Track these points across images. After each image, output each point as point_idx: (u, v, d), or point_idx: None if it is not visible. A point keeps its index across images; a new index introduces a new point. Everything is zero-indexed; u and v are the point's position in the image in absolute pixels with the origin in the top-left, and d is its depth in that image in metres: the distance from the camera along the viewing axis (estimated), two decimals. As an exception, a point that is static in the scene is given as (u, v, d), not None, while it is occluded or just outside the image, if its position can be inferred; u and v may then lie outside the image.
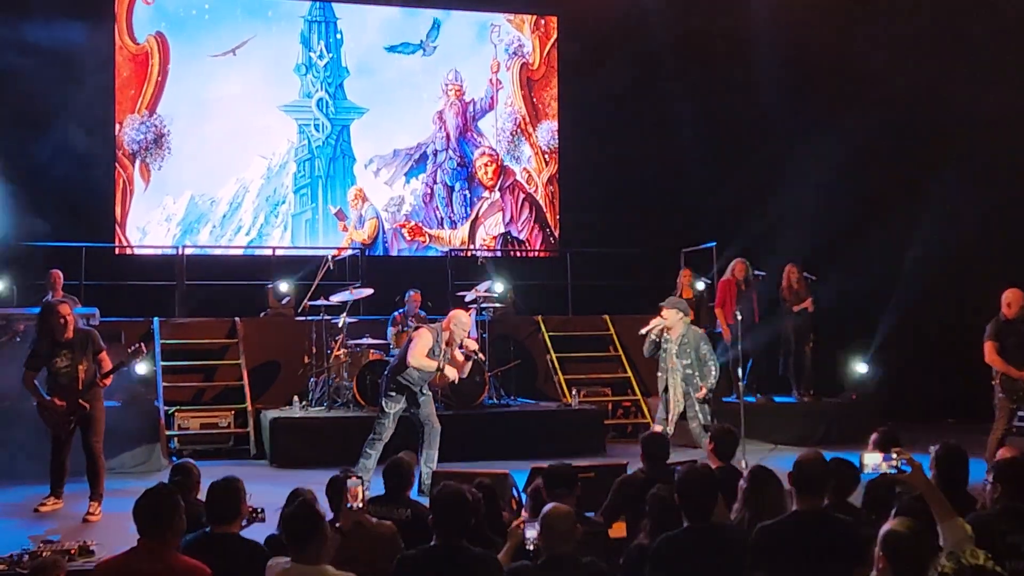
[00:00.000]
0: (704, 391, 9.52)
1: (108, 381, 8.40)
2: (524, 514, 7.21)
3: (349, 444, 9.27)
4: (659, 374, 9.80)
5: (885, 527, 3.73)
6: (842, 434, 11.96)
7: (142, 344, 8.51)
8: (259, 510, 5.20)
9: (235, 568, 4.37)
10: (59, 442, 8.36)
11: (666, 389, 9.63)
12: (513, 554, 4.78)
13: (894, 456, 4.16)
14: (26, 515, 8.18)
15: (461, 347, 9.18)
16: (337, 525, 4.99)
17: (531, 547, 4.54)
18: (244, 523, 4.96)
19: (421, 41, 15.75)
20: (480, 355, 9.83)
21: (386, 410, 8.94)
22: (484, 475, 6.58)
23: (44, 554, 5.99)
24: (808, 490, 4.61)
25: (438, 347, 8.95)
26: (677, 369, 9.54)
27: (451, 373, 9.10)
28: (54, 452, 8.38)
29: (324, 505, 5.14)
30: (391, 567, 4.50)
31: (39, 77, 12.80)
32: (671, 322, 9.58)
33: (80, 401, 8.18)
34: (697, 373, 9.52)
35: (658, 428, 9.15)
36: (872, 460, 4.20)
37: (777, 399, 12.61)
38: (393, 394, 8.93)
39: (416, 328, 9.44)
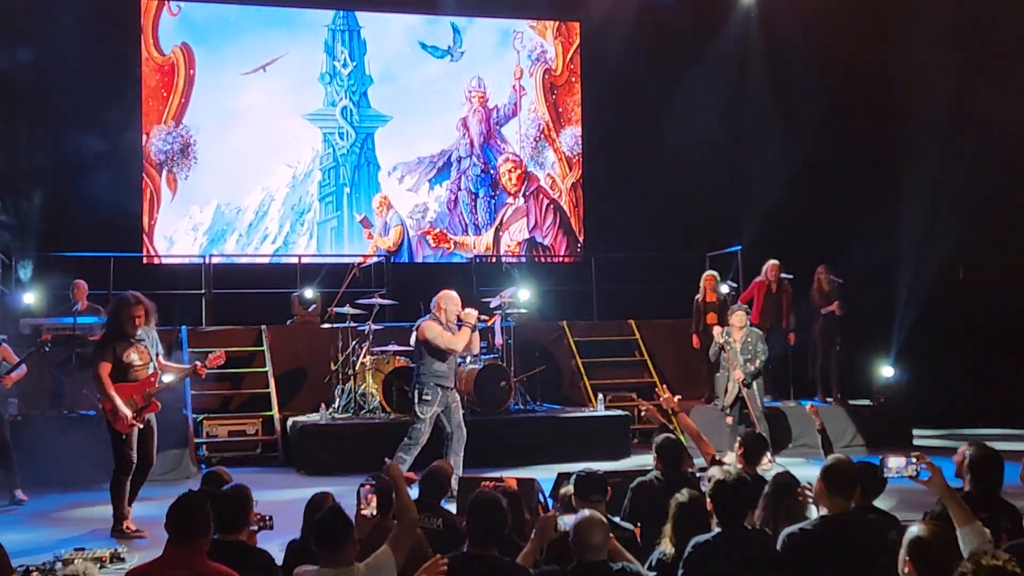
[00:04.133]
0: (740, 375, 10.33)
1: None
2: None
3: (376, 450, 9.22)
4: (721, 371, 10.76)
5: (912, 531, 3.72)
6: (869, 438, 11.90)
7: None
8: (267, 518, 5.18)
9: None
10: (132, 465, 7.82)
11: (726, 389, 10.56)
12: (539, 549, 4.74)
13: (914, 460, 4.13)
14: (58, 522, 8.26)
15: (460, 322, 9.04)
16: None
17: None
18: (254, 530, 4.97)
19: (449, 47, 15.82)
20: (483, 318, 9.76)
21: (421, 416, 8.86)
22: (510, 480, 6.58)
23: (76, 561, 6.07)
24: (837, 494, 4.61)
25: (446, 329, 8.96)
26: (740, 365, 10.41)
27: (471, 317, 9.04)
28: (129, 477, 7.83)
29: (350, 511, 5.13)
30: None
31: (65, 89, 12.91)
32: (741, 322, 10.54)
33: (152, 399, 7.90)
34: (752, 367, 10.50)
35: (728, 420, 10.47)
36: (896, 464, 4.19)
37: (804, 403, 12.52)
38: (428, 398, 8.87)
39: (417, 326, 9.29)
